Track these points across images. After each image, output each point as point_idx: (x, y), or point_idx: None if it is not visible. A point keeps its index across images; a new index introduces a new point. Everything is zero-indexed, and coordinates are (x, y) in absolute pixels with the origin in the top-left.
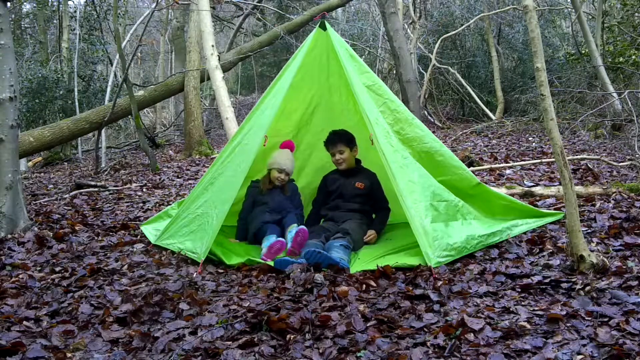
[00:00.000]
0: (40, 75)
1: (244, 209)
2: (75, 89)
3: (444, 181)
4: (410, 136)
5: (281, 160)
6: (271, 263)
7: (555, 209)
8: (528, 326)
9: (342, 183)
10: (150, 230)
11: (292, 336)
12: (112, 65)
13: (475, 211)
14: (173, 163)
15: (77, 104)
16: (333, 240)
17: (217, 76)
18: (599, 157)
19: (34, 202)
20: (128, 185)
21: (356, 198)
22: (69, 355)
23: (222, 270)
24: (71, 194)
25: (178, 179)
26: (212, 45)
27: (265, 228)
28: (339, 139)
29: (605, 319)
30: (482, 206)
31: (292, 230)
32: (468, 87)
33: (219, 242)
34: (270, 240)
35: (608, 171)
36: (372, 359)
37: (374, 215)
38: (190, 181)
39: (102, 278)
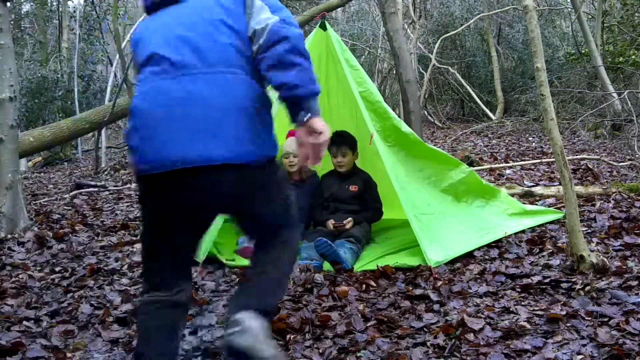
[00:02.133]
0: (39, 75)
1: None
2: (75, 89)
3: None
4: (400, 142)
5: (285, 146)
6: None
7: (555, 209)
8: (528, 326)
9: (337, 187)
10: None
11: (292, 336)
12: (112, 65)
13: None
14: None
15: (77, 104)
16: (345, 241)
17: None
18: (599, 157)
19: (34, 202)
20: (128, 185)
21: (353, 200)
22: (69, 355)
23: (222, 270)
24: (71, 194)
25: None
26: None
27: None
28: (345, 142)
29: (605, 319)
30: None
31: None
32: (468, 87)
33: (218, 242)
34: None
35: (608, 171)
36: (372, 359)
37: None
38: None
39: (102, 278)
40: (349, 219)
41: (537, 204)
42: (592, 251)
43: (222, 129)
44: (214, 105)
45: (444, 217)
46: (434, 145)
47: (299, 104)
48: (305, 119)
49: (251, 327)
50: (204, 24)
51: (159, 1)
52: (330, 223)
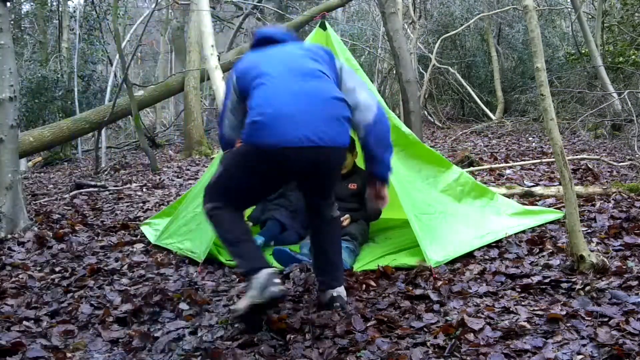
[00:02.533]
0: (39, 75)
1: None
2: (75, 89)
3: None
4: (399, 142)
5: None
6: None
7: (555, 209)
8: (528, 326)
9: (337, 187)
10: (150, 230)
11: (292, 336)
12: (112, 65)
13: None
14: (173, 163)
15: (77, 104)
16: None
17: (217, 76)
18: (599, 157)
19: (34, 202)
20: (128, 185)
21: (352, 198)
22: (69, 355)
23: (222, 270)
24: (71, 194)
25: (178, 179)
26: (212, 45)
27: (270, 225)
28: None
29: (605, 319)
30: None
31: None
32: (468, 87)
33: (218, 242)
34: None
35: (608, 171)
36: (372, 359)
37: None
38: (190, 181)
39: (102, 278)
40: (346, 216)
41: (537, 204)
42: (592, 251)
43: (330, 122)
44: (326, 107)
45: (445, 217)
46: (434, 145)
47: (382, 176)
48: (378, 184)
49: (344, 297)
50: (306, 54)
51: (268, 40)
52: None
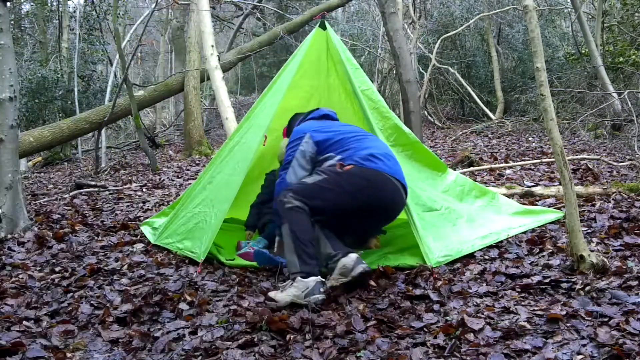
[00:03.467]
0: (39, 75)
1: (260, 198)
2: (75, 89)
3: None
4: (400, 142)
5: (282, 146)
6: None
7: (555, 209)
8: (528, 326)
9: None
10: (150, 230)
11: (292, 336)
12: (112, 65)
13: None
14: (173, 163)
15: (77, 104)
16: None
17: (217, 76)
18: (599, 157)
19: (34, 202)
20: (128, 185)
21: None
22: (69, 355)
23: (222, 270)
24: (71, 194)
25: (178, 179)
26: (212, 45)
27: (271, 227)
28: None
29: (605, 319)
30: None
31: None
32: (468, 87)
33: (217, 242)
34: (254, 246)
35: (608, 171)
36: (372, 359)
37: None
38: (190, 181)
39: (102, 278)
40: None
41: (537, 204)
42: (592, 251)
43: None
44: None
45: (450, 213)
46: (434, 144)
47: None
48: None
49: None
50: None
51: (327, 117)
52: None
